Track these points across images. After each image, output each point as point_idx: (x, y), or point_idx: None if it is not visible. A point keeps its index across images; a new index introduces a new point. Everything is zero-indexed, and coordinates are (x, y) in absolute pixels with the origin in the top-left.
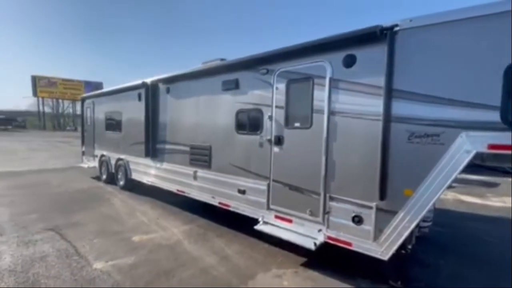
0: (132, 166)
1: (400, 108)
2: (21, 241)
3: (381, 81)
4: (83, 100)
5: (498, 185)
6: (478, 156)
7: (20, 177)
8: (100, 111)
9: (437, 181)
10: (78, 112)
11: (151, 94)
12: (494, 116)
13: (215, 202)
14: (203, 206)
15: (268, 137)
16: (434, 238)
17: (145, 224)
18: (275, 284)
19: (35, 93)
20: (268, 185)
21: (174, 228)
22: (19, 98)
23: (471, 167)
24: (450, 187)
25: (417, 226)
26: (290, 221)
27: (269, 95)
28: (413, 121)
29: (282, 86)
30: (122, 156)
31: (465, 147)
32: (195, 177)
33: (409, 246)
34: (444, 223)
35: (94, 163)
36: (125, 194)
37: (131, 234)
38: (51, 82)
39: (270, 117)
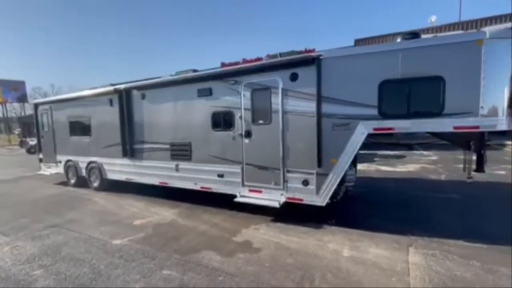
0: (107, 167)
1: (326, 108)
2: (32, 237)
3: (314, 90)
4: (36, 106)
5: (405, 157)
6: (395, 137)
7: None
8: (61, 116)
9: (349, 152)
10: None
11: (125, 99)
12: (375, 111)
13: (197, 187)
14: (184, 194)
15: (240, 132)
16: (357, 194)
17: (138, 213)
18: (255, 234)
19: None
20: (242, 168)
21: (165, 212)
22: None
23: (389, 145)
24: (372, 161)
25: (344, 184)
26: (260, 191)
27: (238, 100)
28: (334, 116)
29: (248, 94)
30: (94, 159)
31: (362, 130)
32: (177, 169)
33: (338, 197)
34: (365, 185)
35: (58, 169)
36: (103, 193)
37: (130, 220)
38: None
39: (240, 117)
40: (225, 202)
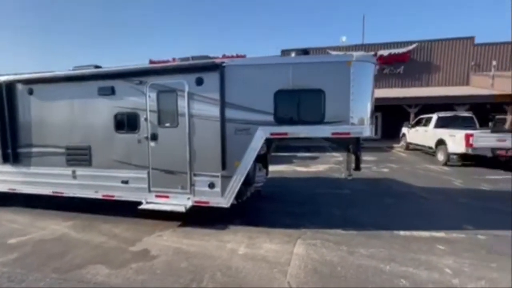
0: None
1: (229, 113)
2: None
3: (218, 96)
4: None
5: (318, 157)
6: (323, 140)
7: None
8: None
9: (250, 155)
10: None
11: (5, 94)
12: (271, 118)
13: (98, 195)
14: (83, 203)
15: (145, 135)
16: (268, 194)
17: (19, 229)
18: (156, 241)
19: None
20: (148, 173)
21: (55, 226)
22: None
23: (311, 148)
24: (291, 162)
25: (252, 185)
26: (167, 197)
27: (143, 101)
28: (236, 121)
29: (153, 95)
30: None
31: (260, 135)
32: (74, 176)
33: (244, 198)
34: (278, 184)
35: None
36: None
37: (3, 239)
38: None
39: (146, 119)
40: (132, 209)
